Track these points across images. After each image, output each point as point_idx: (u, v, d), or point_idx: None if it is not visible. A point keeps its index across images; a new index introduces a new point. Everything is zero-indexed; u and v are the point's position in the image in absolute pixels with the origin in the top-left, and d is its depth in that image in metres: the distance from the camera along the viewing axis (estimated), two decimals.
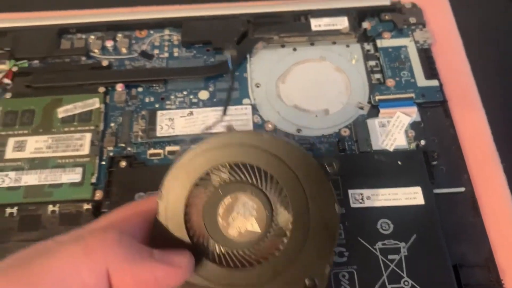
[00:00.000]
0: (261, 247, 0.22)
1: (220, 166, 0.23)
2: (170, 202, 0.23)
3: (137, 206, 0.24)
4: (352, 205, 0.33)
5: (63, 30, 0.43)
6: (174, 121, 0.38)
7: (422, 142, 0.36)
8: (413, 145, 0.36)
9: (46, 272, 0.19)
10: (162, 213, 0.23)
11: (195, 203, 0.23)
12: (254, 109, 0.39)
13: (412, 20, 0.43)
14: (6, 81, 0.41)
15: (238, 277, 0.22)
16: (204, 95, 0.40)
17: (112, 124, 0.38)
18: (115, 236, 0.21)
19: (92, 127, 0.38)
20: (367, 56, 0.41)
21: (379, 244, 0.32)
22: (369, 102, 0.39)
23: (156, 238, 0.23)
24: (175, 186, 0.23)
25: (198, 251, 0.22)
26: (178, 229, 0.23)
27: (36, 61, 0.42)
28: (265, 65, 0.41)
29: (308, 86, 0.40)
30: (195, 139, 0.25)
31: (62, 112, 0.38)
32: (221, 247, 0.22)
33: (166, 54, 0.42)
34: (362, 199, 0.33)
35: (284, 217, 0.22)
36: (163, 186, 0.23)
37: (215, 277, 0.22)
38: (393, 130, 0.37)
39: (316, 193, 0.22)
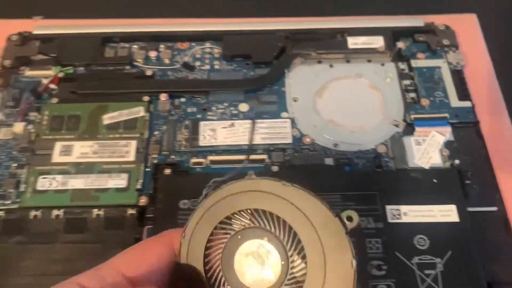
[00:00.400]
0: None
1: (242, 211, 0.23)
2: (191, 243, 0.23)
3: (156, 247, 0.24)
4: (390, 221, 0.34)
5: (107, 39, 0.45)
6: (216, 132, 0.39)
7: (457, 161, 0.38)
8: (447, 164, 0.38)
9: None
10: (184, 254, 0.23)
11: (215, 246, 0.23)
12: (293, 123, 0.40)
13: (445, 42, 0.44)
14: (52, 86, 0.42)
15: None
16: (244, 107, 0.41)
17: (156, 132, 0.39)
18: None
19: (137, 135, 0.39)
20: (401, 75, 0.43)
21: (416, 259, 0.33)
22: (404, 120, 0.40)
23: (176, 279, 0.23)
24: (198, 228, 0.23)
25: None
26: (197, 272, 0.23)
27: (81, 68, 0.43)
28: (302, 80, 0.43)
29: (344, 102, 0.42)
30: (219, 181, 0.25)
31: (107, 119, 0.40)
32: None
33: (208, 67, 0.43)
34: (399, 214, 0.35)
35: (299, 268, 0.22)
36: (187, 227, 0.24)
37: None
38: (429, 149, 0.38)
39: (333, 247, 0.22)
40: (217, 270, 0.23)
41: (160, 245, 0.24)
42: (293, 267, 0.22)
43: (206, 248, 0.23)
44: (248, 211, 0.23)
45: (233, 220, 0.23)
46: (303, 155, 0.38)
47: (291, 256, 0.22)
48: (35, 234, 0.35)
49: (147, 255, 0.23)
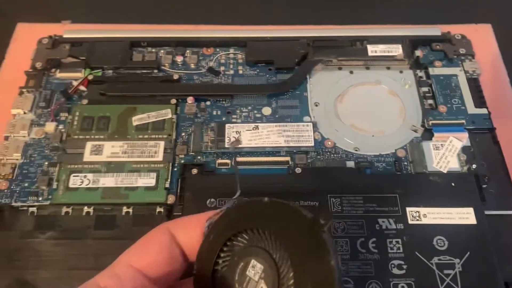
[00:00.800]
0: None
1: (235, 235, 0.25)
2: (200, 271, 0.25)
3: (156, 235, 0.26)
4: (410, 222, 0.36)
5: (134, 43, 0.46)
6: (241, 134, 0.40)
7: (474, 166, 0.39)
8: (465, 168, 0.39)
9: None
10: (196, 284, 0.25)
11: (219, 272, 0.25)
12: (315, 126, 0.41)
13: (462, 51, 0.46)
14: (82, 88, 0.44)
15: None
16: (267, 111, 0.42)
17: (183, 134, 0.41)
18: None
19: (165, 136, 0.40)
20: (419, 82, 0.44)
21: (435, 259, 0.34)
22: (422, 125, 0.41)
23: None
24: (204, 258, 0.25)
25: None
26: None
27: (109, 71, 0.45)
28: (323, 85, 0.44)
29: (364, 107, 0.43)
30: (218, 212, 0.26)
31: (136, 120, 0.41)
32: None
33: (232, 71, 0.45)
34: (419, 216, 0.36)
35: (288, 276, 0.23)
36: (197, 257, 0.25)
37: None
38: (447, 153, 0.39)
39: (313, 248, 0.23)
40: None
41: (159, 233, 0.26)
42: (283, 276, 0.23)
43: (214, 273, 0.24)
44: (242, 232, 0.25)
45: (232, 243, 0.25)
46: (325, 158, 0.40)
47: (280, 266, 0.23)
48: (66, 230, 0.36)
49: (150, 244, 0.25)
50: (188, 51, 0.46)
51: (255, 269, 0.24)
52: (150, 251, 0.25)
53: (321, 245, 0.23)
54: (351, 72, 0.45)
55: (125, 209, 0.37)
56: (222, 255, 0.25)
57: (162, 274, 0.25)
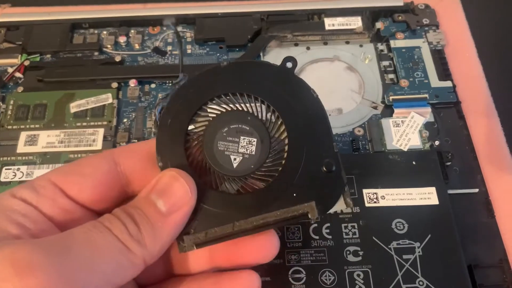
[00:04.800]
0: (264, 169, 0.23)
1: (214, 98, 0.24)
2: (168, 141, 0.23)
3: (92, 159, 0.24)
4: (367, 205, 0.33)
5: (75, 25, 0.43)
6: None
7: (436, 143, 0.36)
8: (427, 146, 0.36)
9: None
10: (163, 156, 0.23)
11: (195, 137, 0.23)
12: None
13: (425, 21, 0.43)
14: (18, 75, 0.40)
15: (248, 200, 0.23)
16: None
17: (125, 120, 0.38)
18: None
19: (105, 122, 0.37)
20: (380, 56, 0.41)
21: (394, 244, 0.32)
22: (383, 101, 0.39)
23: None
24: (170, 141, 0.23)
25: (201, 182, 0.22)
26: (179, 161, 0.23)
27: (48, 56, 0.42)
28: (278, 63, 0.41)
29: (321, 85, 0.40)
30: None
31: (74, 107, 0.38)
32: (224, 176, 0.23)
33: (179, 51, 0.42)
34: (376, 198, 0.33)
35: (279, 140, 0.23)
36: (156, 149, 0.23)
37: (225, 204, 0.22)
38: (408, 130, 0.37)
39: (294, 94, 0.24)
40: (200, 158, 0.23)
41: (96, 157, 0.24)
42: (274, 141, 0.23)
43: (187, 140, 0.23)
44: (219, 97, 0.24)
45: (207, 109, 0.23)
46: None
47: (272, 131, 0.23)
48: None
49: (80, 167, 0.23)
50: (132, 31, 0.43)
51: (242, 133, 0.23)
52: (78, 173, 0.23)
53: (300, 85, 0.24)
54: (308, 48, 0.42)
55: None
56: (193, 130, 0.23)
57: (92, 199, 0.22)
